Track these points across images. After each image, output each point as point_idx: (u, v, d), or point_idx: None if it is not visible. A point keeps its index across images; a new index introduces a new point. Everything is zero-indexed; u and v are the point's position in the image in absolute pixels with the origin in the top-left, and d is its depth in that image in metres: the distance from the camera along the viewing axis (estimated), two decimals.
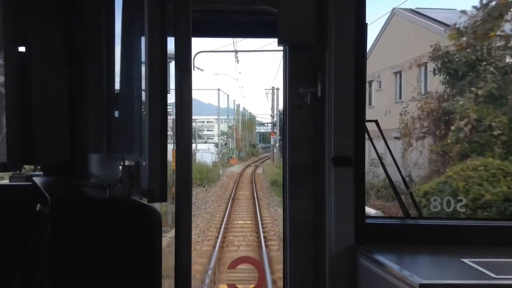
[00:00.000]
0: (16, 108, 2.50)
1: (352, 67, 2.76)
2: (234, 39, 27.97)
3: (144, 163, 1.89)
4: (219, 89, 45.29)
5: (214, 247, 13.48)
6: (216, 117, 48.52)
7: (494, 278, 2.14)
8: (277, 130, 40.64)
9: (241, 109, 56.94)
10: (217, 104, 46.57)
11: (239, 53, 32.36)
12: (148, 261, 2.04)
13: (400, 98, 17.43)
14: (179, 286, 2.01)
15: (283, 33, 2.90)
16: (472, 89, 12.47)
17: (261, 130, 68.22)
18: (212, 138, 51.31)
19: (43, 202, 2.32)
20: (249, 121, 61.30)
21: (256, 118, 66.67)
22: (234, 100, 56.32)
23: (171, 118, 1.83)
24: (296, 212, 2.99)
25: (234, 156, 47.88)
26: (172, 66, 2.08)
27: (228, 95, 54.99)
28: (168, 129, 1.88)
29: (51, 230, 2.05)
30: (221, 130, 50.27)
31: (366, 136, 2.94)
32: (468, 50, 12.60)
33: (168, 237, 10.63)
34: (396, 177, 3.21)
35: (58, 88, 2.71)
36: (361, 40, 2.78)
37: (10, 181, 2.96)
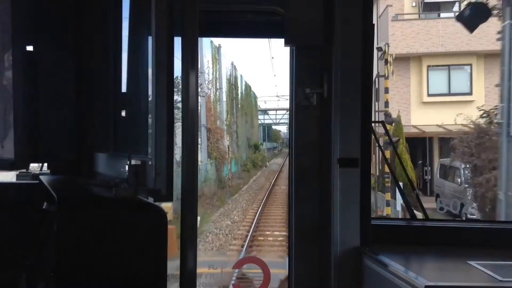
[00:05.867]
0: (24, 107, 2.51)
1: (359, 68, 2.76)
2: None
3: (150, 163, 1.90)
4: None
5: None
6: None
7: (500, 281, 2.12)
8: None
9: (227, 65, 26.50)
10: None
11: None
12: (153, 260, 2.05)
13: None
14: (185, 286, 2.01)
15: (290, 33, 2.90)
16: None
17: (266, 121, 39.93)
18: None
19: (49, 200, 2.33)
20: (247, 100, 31.36)
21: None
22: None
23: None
24: (302, 212, 2.99)
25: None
26: (178, 65, 2.08)
27: None
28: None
29: (58, 229, 2.06)
30: None
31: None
32: None
33: None
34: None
35: (66, 87, 2.72)
36: (368, 41, 2.77)
37: (17, 179, 2.98)
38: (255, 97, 35.04)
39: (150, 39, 1.95)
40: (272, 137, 42.92)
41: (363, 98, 2.77)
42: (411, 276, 2.18)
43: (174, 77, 1.90)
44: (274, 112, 39.92)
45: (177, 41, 1.92)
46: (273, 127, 43.09)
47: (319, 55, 2.93)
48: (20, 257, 2.61)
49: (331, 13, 2.81)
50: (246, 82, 31.43)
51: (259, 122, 37.47)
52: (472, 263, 2.35)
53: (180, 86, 2.01)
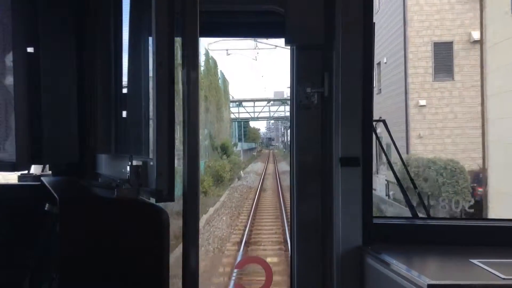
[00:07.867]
0: (25, 108, 2.52)
1: (359, 67, 2.76)
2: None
3: (151, 163, 1.90)
4: None
5: None
6: None
7: (503, 279, 2.12)
8: None
9: None
10: None
11: None
12: (156, 260, 2.05)
13: None
14: (187, 286, 2.01)
15: (291, 33, 2.90)
16: None
17: (241, 115, 31.57)
18: None
19: (51, 201, 2.33)
20: (209, 80, 24.26)
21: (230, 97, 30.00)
22: None
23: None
24: (303, 212, 2.99)
25: None
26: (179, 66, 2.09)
27: None
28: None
29: (60, 230, 2.07)
30: None
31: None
32: None
33: None
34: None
35: (67, 89, 2.73)
36: (368, 40, 2.77)
37: (19, 181, 2.98)
38: (225, 80, 25.78)
39: (151, 39, 1.95)
40: (250, 136, 33.88)
41: (364, 97, 2.77)
42: (414, 275, 2.18)
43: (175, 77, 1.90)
44: (251, 103, 30.59)
45: (178, 42, 1.93)
46: (251, 124, 33.64)
47: (319, 55, 2.93)
48: (22, 258, 2.61)
49: (332, 12, 2.81)
50: (209, 53, 22.59)
51: (232, 116, 27.84)
52: (475, 261, 2.35)
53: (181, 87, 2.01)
